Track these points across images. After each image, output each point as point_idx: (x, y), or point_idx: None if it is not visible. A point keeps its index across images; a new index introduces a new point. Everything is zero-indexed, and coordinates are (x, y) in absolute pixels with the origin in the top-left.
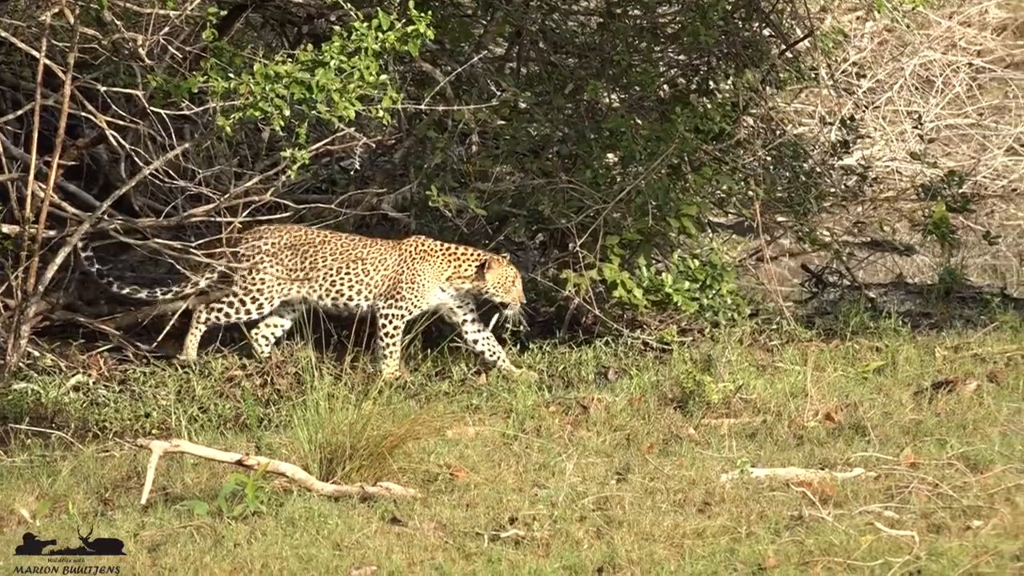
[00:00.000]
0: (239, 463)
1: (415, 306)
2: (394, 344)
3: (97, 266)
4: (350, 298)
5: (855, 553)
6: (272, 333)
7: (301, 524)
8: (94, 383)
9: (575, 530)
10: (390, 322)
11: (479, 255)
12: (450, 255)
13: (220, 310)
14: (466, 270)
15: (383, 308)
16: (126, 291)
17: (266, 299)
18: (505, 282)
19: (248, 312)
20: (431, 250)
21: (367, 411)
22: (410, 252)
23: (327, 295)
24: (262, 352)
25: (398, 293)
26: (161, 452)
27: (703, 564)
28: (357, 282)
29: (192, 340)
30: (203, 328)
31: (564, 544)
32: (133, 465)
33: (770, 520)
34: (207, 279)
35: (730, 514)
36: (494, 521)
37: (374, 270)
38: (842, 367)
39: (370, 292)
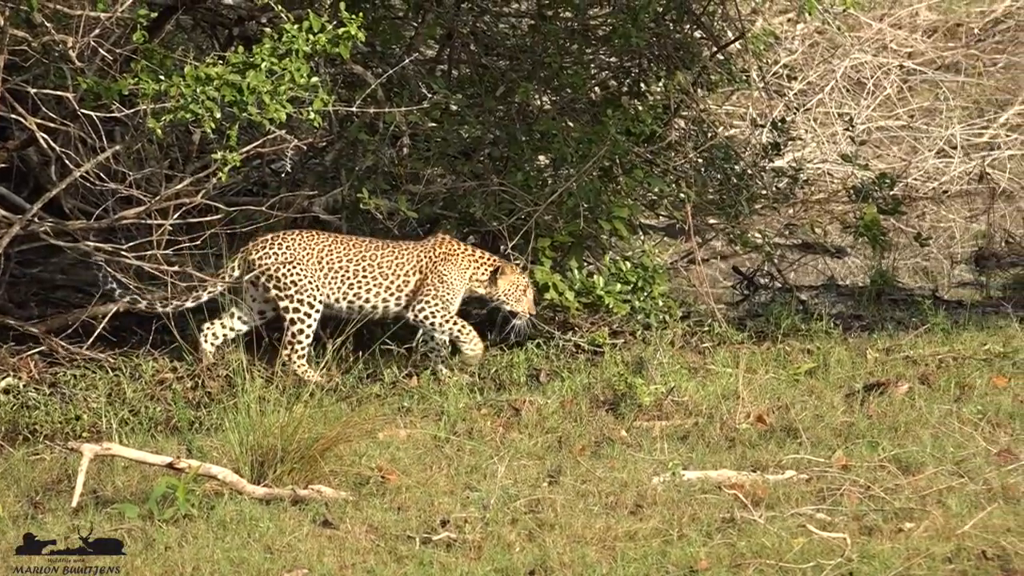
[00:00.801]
0: (170, 466)
1: (449, 303)
2: (454, 325)
3: (112, 284)
4: (367, 300)
5: (787, 555)
6: (223, 334)
7: (232, 527)
8: (24, 386)
9: (507, 533)
10: (435, 315)
11: (495, 260)
12: (470, 256)
13: (295, 337)
14: (483, 274)
15: (418, 313)
16: (142, 304)
17: (308, 297)
18: (516, 290)
19: (311, 316)
20: (454, 251)
21: (298, 414)
22: (435, 252)
23: (344, 298)
24: (207, 349)
25: (429, 293)
26: (92, 455)
27: (635, 567)
28: (375, 284)
29: (304, 371)
30: (302, 361)
31: (496, 547)
32: (64, 468)
33: (702, 522)
34: (215, 289)
35: (662, 516)
36: (426, 524)
37: (392, 273)
38: (774, 369)
39: (390, 294)
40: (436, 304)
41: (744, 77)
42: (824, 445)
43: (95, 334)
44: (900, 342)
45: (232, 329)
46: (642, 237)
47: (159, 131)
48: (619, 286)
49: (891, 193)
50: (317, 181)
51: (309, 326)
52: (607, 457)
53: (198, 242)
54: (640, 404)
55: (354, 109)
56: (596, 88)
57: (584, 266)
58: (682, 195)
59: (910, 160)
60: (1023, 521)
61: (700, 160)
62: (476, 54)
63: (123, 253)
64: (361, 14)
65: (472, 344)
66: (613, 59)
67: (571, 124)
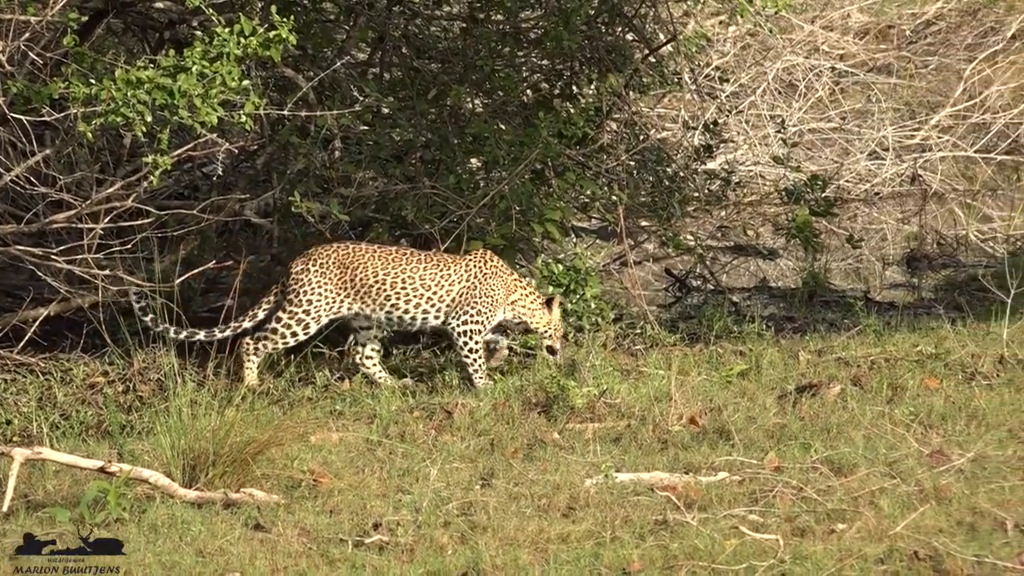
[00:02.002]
0: (101, 470)
1: (489, 320)
2: (479, 357)
3: (151, 315)
4: (406, 311)
5: (719, 557)
6: (373, 349)
7: (164, 531)
8: None
9: (439, 535)
10: (471, 338)
11: (540, 293)
12: (516, 281)
13: (273, 338)
14: (532, 302)
15: (458, 326)
16: (183, 335)
17: (312, 319)
18: (560, 326)
19: (295, 335)
20: (500, 269)
21: (230, 417)
22: (481, 268)
23: (380, 309)
24: (376, 374)
25: (472, 308)
26: (23, 459)
27: (567, 569)
28: (416, 296)
29: (250, 372)
30: (256, 359)
31: (428, 550)
32: None
33: (634, 524)
34: (263, 311)
35: (594, 519)
36: (358, 527)
37: (436, 284)
38: (706, 371)
39: (431, 306)
40: (478, 323)
41: (676, 79)
42: (756, 447)
43: (26, 338)
44: (832, 344)
45: (375, 338)
46: (574, 240)
47: (90, 135)
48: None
49: (823, 195)
50: (248, 184)
51: (295, 338)
52: (539, 459)
53: (129, 246)
54: (572, 406)
55: (286, 112)
56: (528, 91)
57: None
58: (614, 197)
59: (842, 162)
60: (955, 522)
61: (632, 163)
62: (408, 57)
63: (53, 257)
64: (292, 17)
65: (485, 379)
66: (545, 62)
67: (503, 127)
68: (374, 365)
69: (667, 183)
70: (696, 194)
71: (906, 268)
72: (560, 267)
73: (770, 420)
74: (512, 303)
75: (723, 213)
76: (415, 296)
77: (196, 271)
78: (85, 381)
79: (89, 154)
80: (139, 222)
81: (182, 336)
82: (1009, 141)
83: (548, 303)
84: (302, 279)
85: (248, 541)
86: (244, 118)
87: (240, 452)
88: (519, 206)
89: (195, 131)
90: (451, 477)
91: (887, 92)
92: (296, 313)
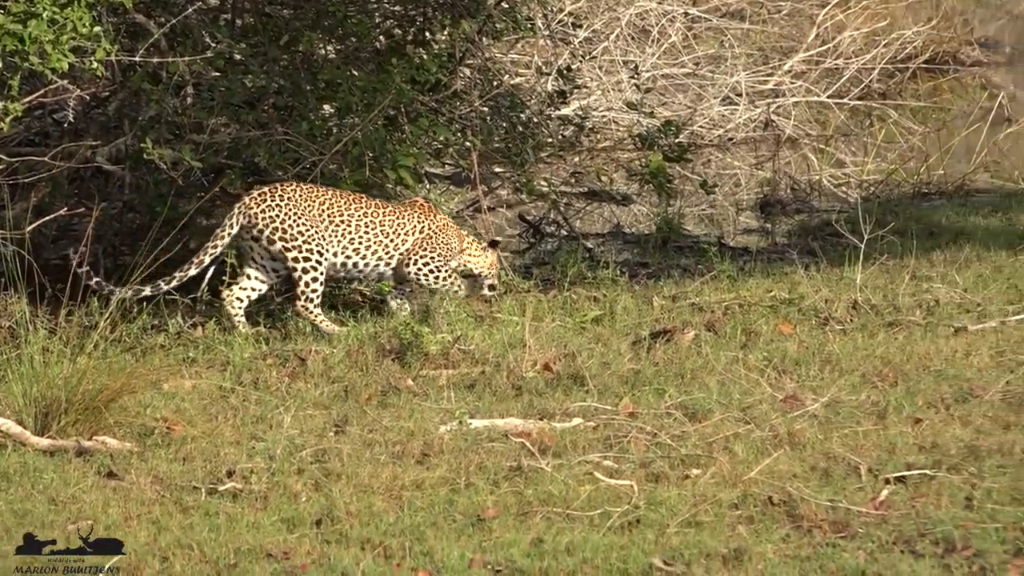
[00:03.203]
0: None
1: (446, 260)
2: (449, 282)
3: (95, 278)
4: (363, 257)
5: (574, 503)
6: (246, 296)
7: (16, 479)
8: None
9: (293, 483)
10: (433, 273)
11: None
12: (459, 232)
13: (308, 285)
14: (476, 250)
15: (415, 270)
16: (129, 294)
17: (316, 247)
18: (496, 265)
19: (321, 263)
20: (448, 221)
21: (82, 365)
22: (433, 219)
23: (341, 254)
24: (236, 316)
25: (431, 253)
26: None
27: (422, 515)
28: (375, 243)
29: (326, 325)
30: (318, 311)
31: (282, 497)
32: None
33: (489, 471)
34: (216, 253)
35: (449, 465)
36: (211, 474)
37: (394, 233)
38: (560, 317)
39: (386, 254)
40: (436, 259)
41: (529, 25)
42: (611, 393)
43: None
44: (686, 289)
45: (253, 289)
46: (428, 186)
47: None
48: None
49: (676, 140)
50: (100, 131)
51: (321, 273)
52: (393, 406)
53: None
54: (426, 353)
55: (137, 59)
56: (381, 37)
57: None
58: (468, 143)
59: (695, 107)
60: (808, 467)
61: (486, 109)
62: (260, 3)
63: None
64: None
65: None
66: (398, 8)
67: (356, 73)
68: (240, 308)
69: (521, 129)
70: (550, 140)
71: (759, 213)
72: None
73: (624, 366)
74: (461, 252)
75: (577, 159)
76: (375, 243)
77: (47, 218)
78: None
79: None
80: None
81: (128, 294)
82: (861, 86)
83: (492, 245)
84: (276, 215)
85: (101, 489)
86: (95, 64)
87: (93, 400)
88: (372, 152)
89: (46, 77)
90: (305, 424)
91: (740, 37)
92: (301, 249)
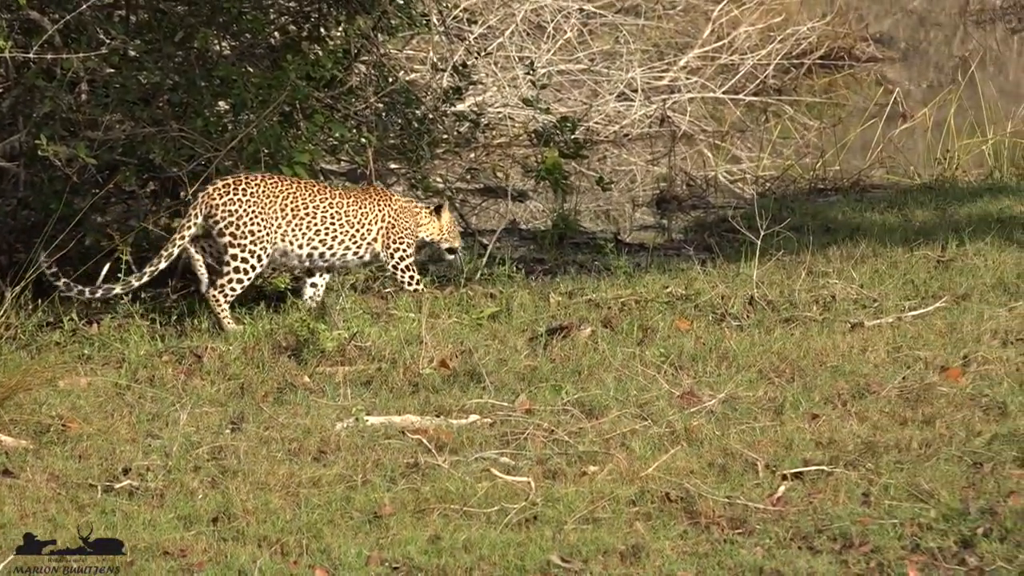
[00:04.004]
0: None
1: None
2: (414, 277)
3: (63, 280)
4: (330, 247)
5: (471, 500)
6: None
7: None
8: None
9: (189, 480)
10: (407, 267)
11: (426, 204)
12: (411, 205)
13: (231, 283)
14: (424, 219)
15: (397, 263)
16: (99, 293)
17: (261, 249)
18: (454, 226)
19: (254, 268)
20: (404, 203)
21: None
22: (389, 200)
23: (307, 244)
24: (222, 314)
25: (399, 242)
26: None
27: (319, 513)
28: (341, 232)
29: (227, 321)
30: (227, 308)
31: (179, 494)
32: None
33: (386, 468)
34: (175, 250)
35: (346, 462)
36: (107, 472)
37: (358, 221)
38: (457, 314)
39: (353, 243)
40: (407, 249)
41: (424, 21)
42: (508, 389)
43: None
44: (583, 285)
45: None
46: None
47: None
48: None
49: (572, 137)
50: None
51: (254, 271)
52: (290, 403)
53: None
54: (323, 350)
55: (31, 55)
56: (276, 33)
57: None
58: (363, 140)
59: (591, 104)
60: (706, 463)
61: (381, 105)
62: None
63: None
64: None
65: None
66: (293, 4)
67: (251, 69)
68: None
69: (416, 125)
70: (445, 136)
71: (656, 209)
72: None
73: (521, 362)
74: (418, 227)
75: (472, 155)
76: (340, 232)
77: None
78: None
79: None
80: None
81: (98, 294)
82: (757, 82)
83: (437, 210)
84: (233, 209)
85: None
86: None
87: None
88: (267, 149)
89: None
90: (201, 421)
91: (635, 33)
92: (245, 245)
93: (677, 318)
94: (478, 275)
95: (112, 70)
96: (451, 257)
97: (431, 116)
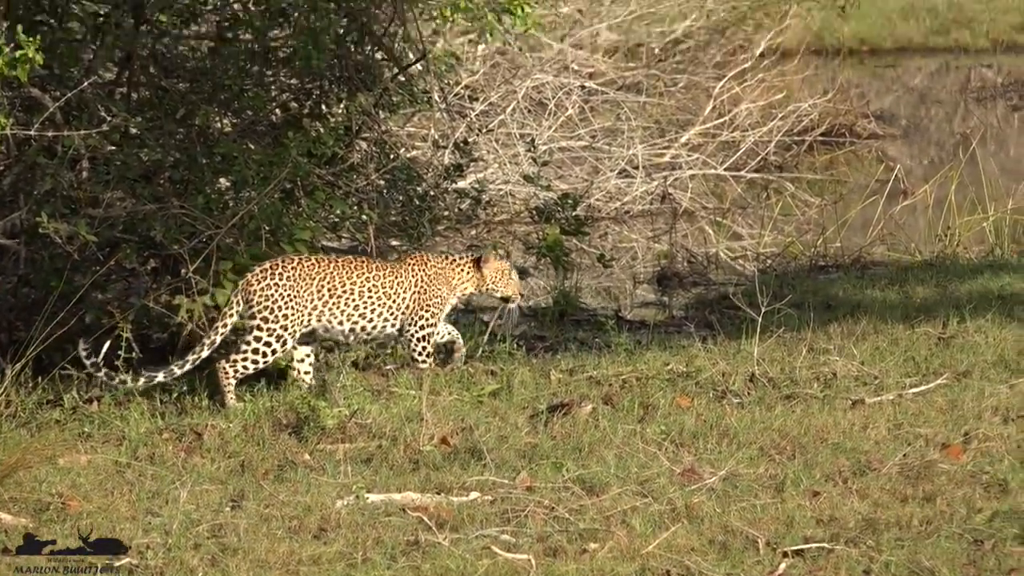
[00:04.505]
0: None
1: (438, 320)
2: (430, 356)
3: (104, 369)
4: (370, 320)
5: None
6: (308, 367)
7: None
8: None
9: (189, 558)
10: (417, 339)
11: (469, 256)
12: (451, 264)
13: (246, 360)
14: (467, 272)
15: (415, 332)
16: (141, 382)
17: (289, 334)
18: (502, 276)
19: (275, 352)
20: (439, 267)
21: None
22: (424, 265)
23: (347, 320)
24: (227, 389)
25: (426, 311)
26: None
27: None
28: (380, 306)
29: (230, 396)
30: (234, 382)
31: (178, 572)
32: None
33: (386, 545)
34: (220, 336)
35: (346, 540)
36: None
37: (394, 292)
38: (457, 391)
39: (391, 314)
40: (431, 319)
41: (426, 98)
42: (508, 466)
43: None
44: (584, 363)
45: (305, 358)
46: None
47: None
48: None
49: (574, 213)
50: None
51: (275, 355)
52: (290, 481)
53: None
54: (323, 427)
55: (32, 132)
56: (277, 110)
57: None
58: (364, 217)
59: (592, 180)
60: (707, 540)
61: (382, 182)
62: (156, 76)
63: None
64: (39, 37)
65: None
66: (294, 81)
67: (252, 146)
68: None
69: (417, 202)
70: (446, 213)
71: (657, 286)
72: None
73: (522, 439)
74: (453, 288)
75: (474, 232)
76: (379, 305)
77: None
78: None
79: None
80: None
81: (140, 383)
82: (758, 159)
83: (477, 262)
84: (270, 294)
85: None
86: None
87: None
88: (268, 225)
89: None
90: (201, 499)
91: (637, 110)
92: (274, 329)
93: (678, 395)
94: (479, 352)
95: (113, 147)
96: (511, 306)
97: (432, 193)
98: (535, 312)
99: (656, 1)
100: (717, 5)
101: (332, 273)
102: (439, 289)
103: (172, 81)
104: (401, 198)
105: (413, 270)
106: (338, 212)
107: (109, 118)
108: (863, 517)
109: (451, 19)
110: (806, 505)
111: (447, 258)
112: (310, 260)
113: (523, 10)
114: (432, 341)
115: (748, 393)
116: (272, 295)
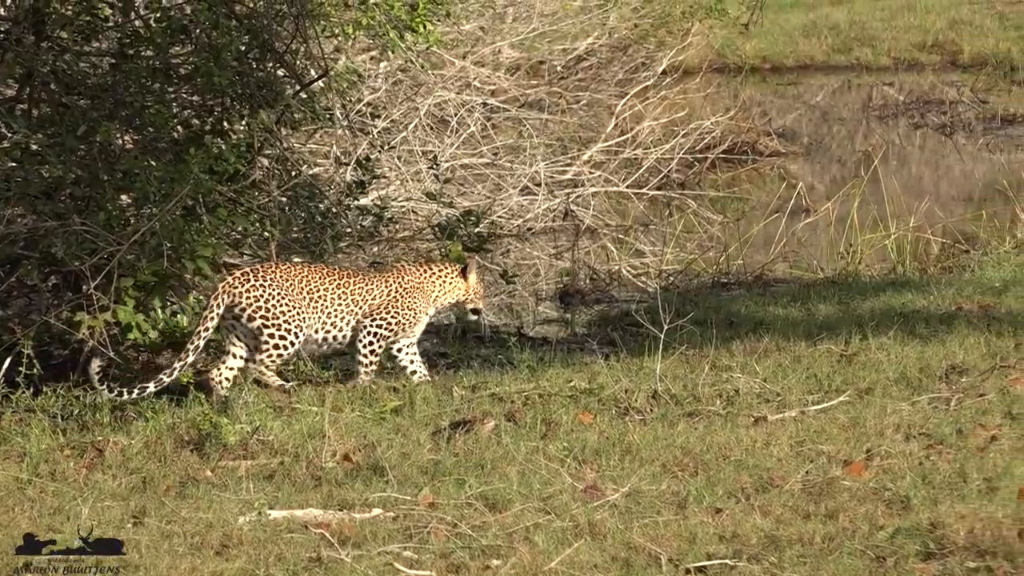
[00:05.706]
0: None
1: (403, 331)
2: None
3: (106, 383)
4: (340, 330)
5: None
6: (232, 376)
7: None
8: None
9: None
10: (369, 350)
11: (454, 264)
12: (435, 274)
13: (271, 355)
14: (454, 279)
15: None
16: (134, 393)
17: (295, 327)
18: (479, 287)
19: (287, 347)
20: (423, 276)
21: None
22: (400, 281)
23: (321, 329)
24: (223, 394)
25: (392, 316)
26: None
27: None
28: (349, 314)
29: (278, 383)
30: (273, 372)
31: None
32: None
33: (288, 562)
34: (201, 342)
35: (248, 556)
36: (8, 566)
37: (362, 300)
38: (360, 408)
39: (357, 321)
40: (388, 334)
41: (328, 115)
42: (411, 483)
43: None
44: (486, 379)
45: (237, 368)
46: (226, 276)
47: None
48: None
49: (476, 230)
50: None
51: (287, 350)
52: (192, 497)
53: None
54: (225, 444)
55: None
56: (179, 127)
57: (168, 305)
58: (266, 233)
59: (495, 197)
60: (610, 557)
61: (284, 198)
62: (57, 93)
63: None
64: None
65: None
66: (196, 98)
67: (154, 163)
68: (228, 387)
69: (320, 219)
70: (348, 230)
71: (559, 303)
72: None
73: (424, 456)
74: (434, 300)
75: (376, 249)
76: (348, 314)
77: None
78: None
79: None
80: None
81: (134, 394)
82: (660, 176)
83: (463, 272)
84: (259, 294)
85: None
86: None
87: None
88: (170, 242)
89: None
90: (103, 516)
91: (539, 128)
92: (280, 325)
93: (580, 412)
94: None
95: (14, 164)
96: (474, 317)
97: (334, 210)
98: (437, 329)
99: (558, 19)
100: (619, 23)
101: (309, 279)
102: (413, 301)
103: (73, 98)
104: (303, 215)
105: (387, 281)
106: (240, 229)
107: (10, 135)
108: (765, 534)
109: (353, 36)
110: (708, 522)
111: (429, 269)
112: (286, 264)
113: (425, 27)
114: (381, 353)
115: (651, 410)
116: (261, 295)
